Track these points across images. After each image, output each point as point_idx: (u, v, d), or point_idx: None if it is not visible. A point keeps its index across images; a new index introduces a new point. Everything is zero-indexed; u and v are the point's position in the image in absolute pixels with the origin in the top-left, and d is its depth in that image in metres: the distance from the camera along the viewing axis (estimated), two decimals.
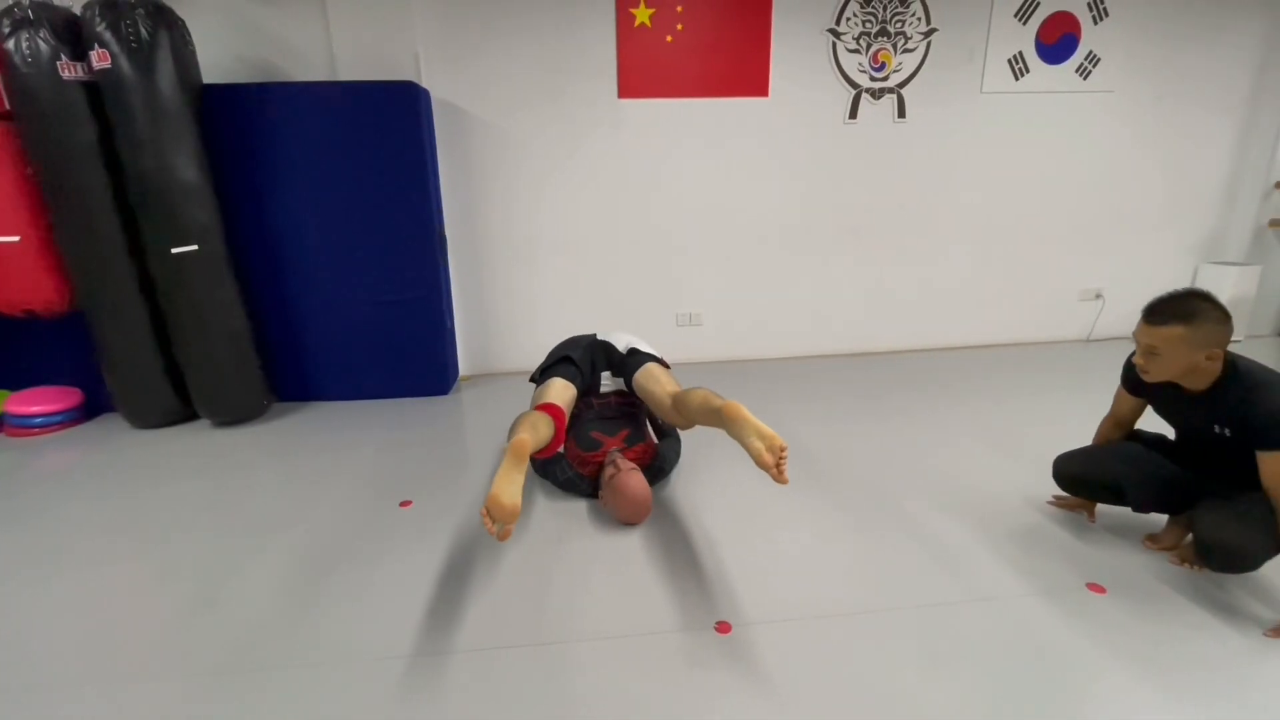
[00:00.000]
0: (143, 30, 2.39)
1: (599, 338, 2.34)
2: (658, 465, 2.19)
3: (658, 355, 2.26)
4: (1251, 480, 1.48)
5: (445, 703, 1.32)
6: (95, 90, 2.47)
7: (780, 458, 1.51)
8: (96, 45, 2.38)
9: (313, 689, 1.36)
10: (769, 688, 1.34)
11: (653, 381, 2.10)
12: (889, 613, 1.57)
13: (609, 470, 2.01)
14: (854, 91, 3.50)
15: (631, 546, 1.87)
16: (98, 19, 2.36)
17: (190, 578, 1.77)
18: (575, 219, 3.52)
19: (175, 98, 2.52)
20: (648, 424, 2.36)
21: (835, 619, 1.55)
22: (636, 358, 2.22)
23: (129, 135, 2.48)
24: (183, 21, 2.58)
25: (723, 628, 1.52)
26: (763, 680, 1.36)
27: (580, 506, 2.12)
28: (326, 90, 2.86)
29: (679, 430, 2.32)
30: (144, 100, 2.45)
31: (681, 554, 1.83)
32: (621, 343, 2.29)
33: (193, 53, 2.66)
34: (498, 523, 1.50)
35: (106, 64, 2.39)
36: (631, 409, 2.31)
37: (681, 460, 2.43)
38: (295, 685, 1.37)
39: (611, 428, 2.21)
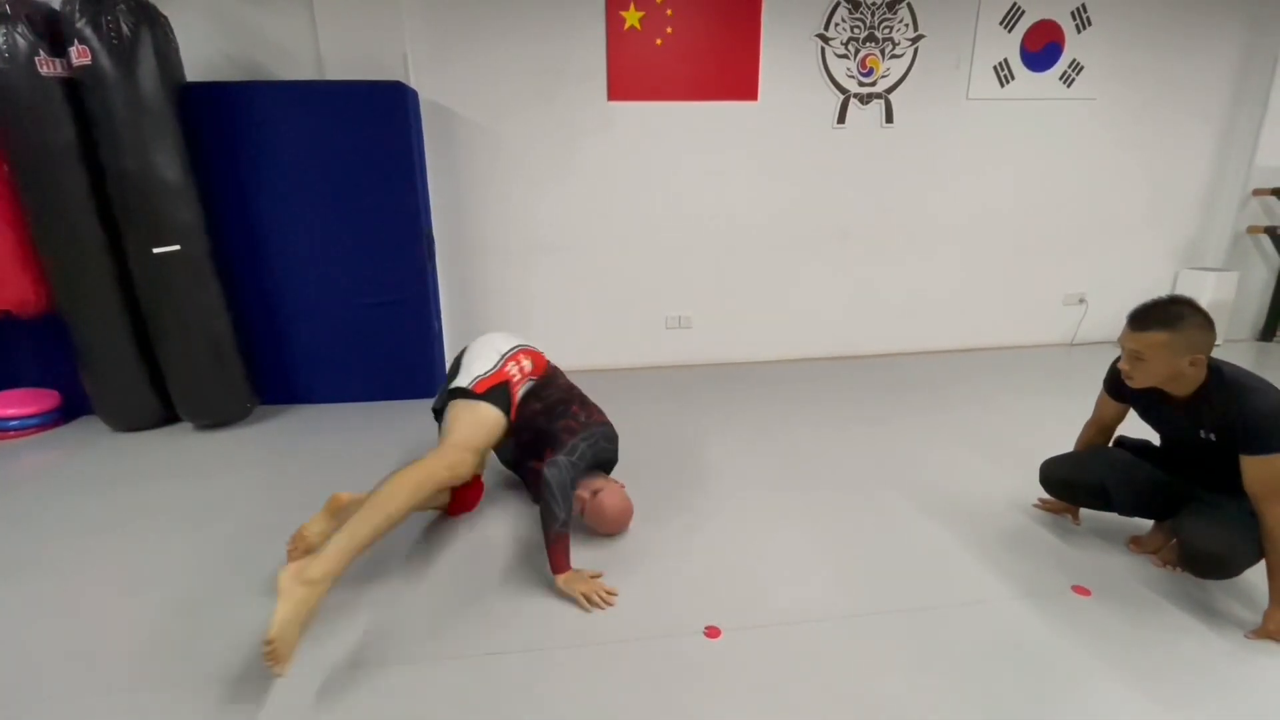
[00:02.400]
0: (124, 26, 2.35)
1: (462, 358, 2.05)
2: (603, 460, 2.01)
3: (484, 377, 1.91)
4: (1235, 485, 1.49)
5: (431, 709, 1.30)
6: (75, 87, 2.42)
7: (266, 649, 1.25)
8: (76, 41, 2.33)
9: (295, 695, 1.34)
10: (759, 692, 1.34)
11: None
12: (877, 616, 1.57)
13: (579, 502, 1.86)
14: (842, 96, 3.52)
15: (619, 551, 1.86)
16: (78, 15, 2.32)
17: (172, 584, 1.74)
18: (564, 221, 3.51)
19: (157, 95, 2.48)
20: (565, 423, 1.94)
21: (824, 622, 1.55)
22: (451, 398, 1.92)
23: (109, 133, 2.44)
24: (166, 18, 2.54)
25: (712, 632, 1.51)
26: (752, 684, 1.36)
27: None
28: (313, 90, 2.83)
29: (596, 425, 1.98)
30: (125, 98, 2.41)
31: (669, 558, 1.83)
32: (464, 375, 1.94)
33: (176, 50, 2.62)
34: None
35: (87, 60, 2.35)
36: (542, 417, 1.99)
37: (669, 463, 2.43)
38: (277, 692, 1.35)
39: (538, 451, 2.01)
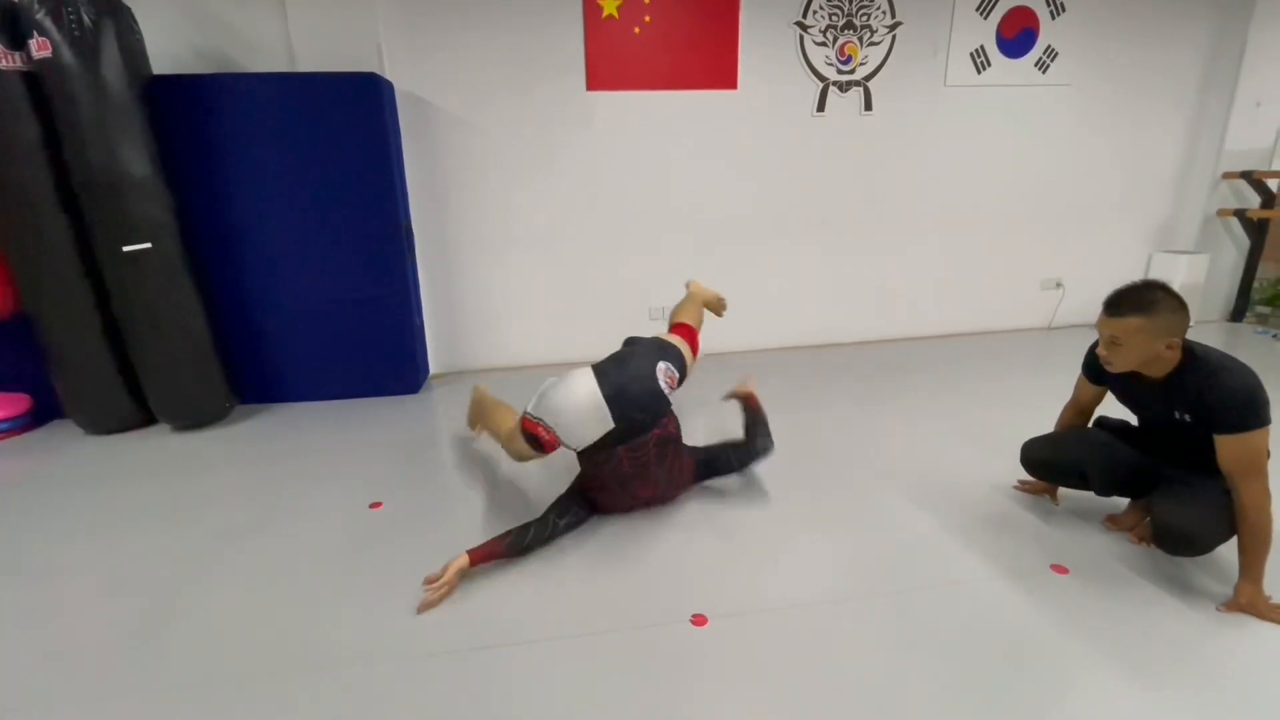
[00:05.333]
0: (85, 17, 2.29)
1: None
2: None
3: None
4: (1209, 464, 1.53)
5: (421, 707, 1.30)
6: (36, 81, 2.36)
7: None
8: (36, 33, 2.26)
9: (280, 699, 1.33)
10: (746, 678, 1.35)
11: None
12: (861, 600, 1.59)
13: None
14: (821, 84, 3.53)
15: (604, 542, 1.87)
16: (37, 6, 2.25)
17: (150, 589, 1.71)
18: (545, 212, 3.48)
19: (122, 89, 2.41)
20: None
21: (809, 607, 1.57)
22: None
23: (73, 128, 2.37)
24: (128, 8, 2.47)
25: (699, 620, 1.52)
26: (740, 671, 1.37)
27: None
28: (285, 82, 2.77)
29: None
30: (88, 91, 2.34)
31: (656, 548, 1.83)
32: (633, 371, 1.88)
33: (140, 41, 2.55)
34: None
35: (47, 53, 2.28)
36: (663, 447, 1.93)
37: None
38: (261, 696, 1.34)
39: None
